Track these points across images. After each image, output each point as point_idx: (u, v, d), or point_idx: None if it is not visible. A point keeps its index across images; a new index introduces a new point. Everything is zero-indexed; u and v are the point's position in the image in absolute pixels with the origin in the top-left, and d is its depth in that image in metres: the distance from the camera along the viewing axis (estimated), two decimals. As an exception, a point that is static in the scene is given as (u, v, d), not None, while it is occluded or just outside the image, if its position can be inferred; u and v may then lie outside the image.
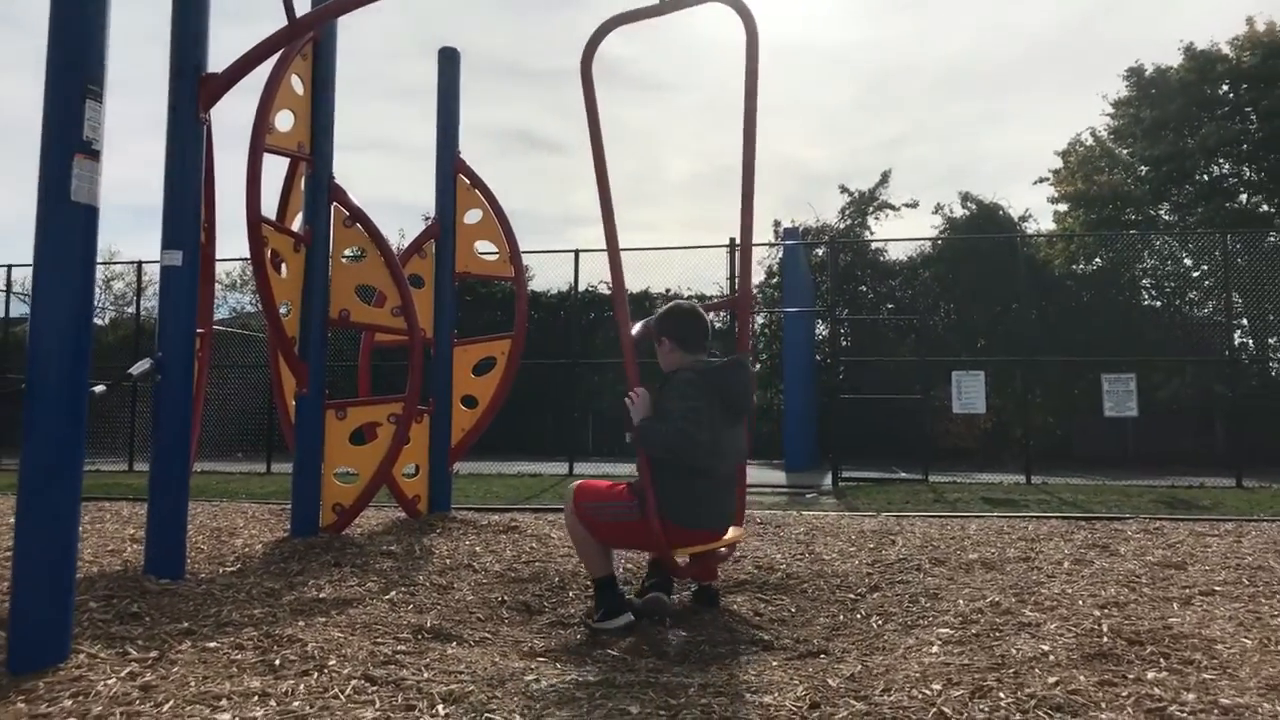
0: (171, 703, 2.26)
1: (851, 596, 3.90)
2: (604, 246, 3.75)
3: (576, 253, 14.62)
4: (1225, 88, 23.35)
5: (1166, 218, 23.81)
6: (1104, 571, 4.17)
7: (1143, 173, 23.95)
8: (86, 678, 2.45)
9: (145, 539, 4.02)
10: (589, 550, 3.52)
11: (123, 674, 2.49)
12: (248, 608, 3.40)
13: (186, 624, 3.10)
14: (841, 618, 3.55)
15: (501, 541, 5.16)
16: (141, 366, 4.01)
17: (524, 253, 6.83)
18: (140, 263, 16.58)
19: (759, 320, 20.88)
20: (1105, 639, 2.85)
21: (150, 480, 4.01)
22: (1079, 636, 2.91)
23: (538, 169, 57.06)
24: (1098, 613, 3.28)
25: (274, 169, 5.57)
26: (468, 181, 6.43)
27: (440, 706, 2.26)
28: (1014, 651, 2.76)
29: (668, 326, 3.65)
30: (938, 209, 23.34)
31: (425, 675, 2.57)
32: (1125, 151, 24.67)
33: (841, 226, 23.55)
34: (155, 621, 3.14)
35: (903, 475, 12.56)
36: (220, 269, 31.72)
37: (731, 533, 3.69)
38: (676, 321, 3.65)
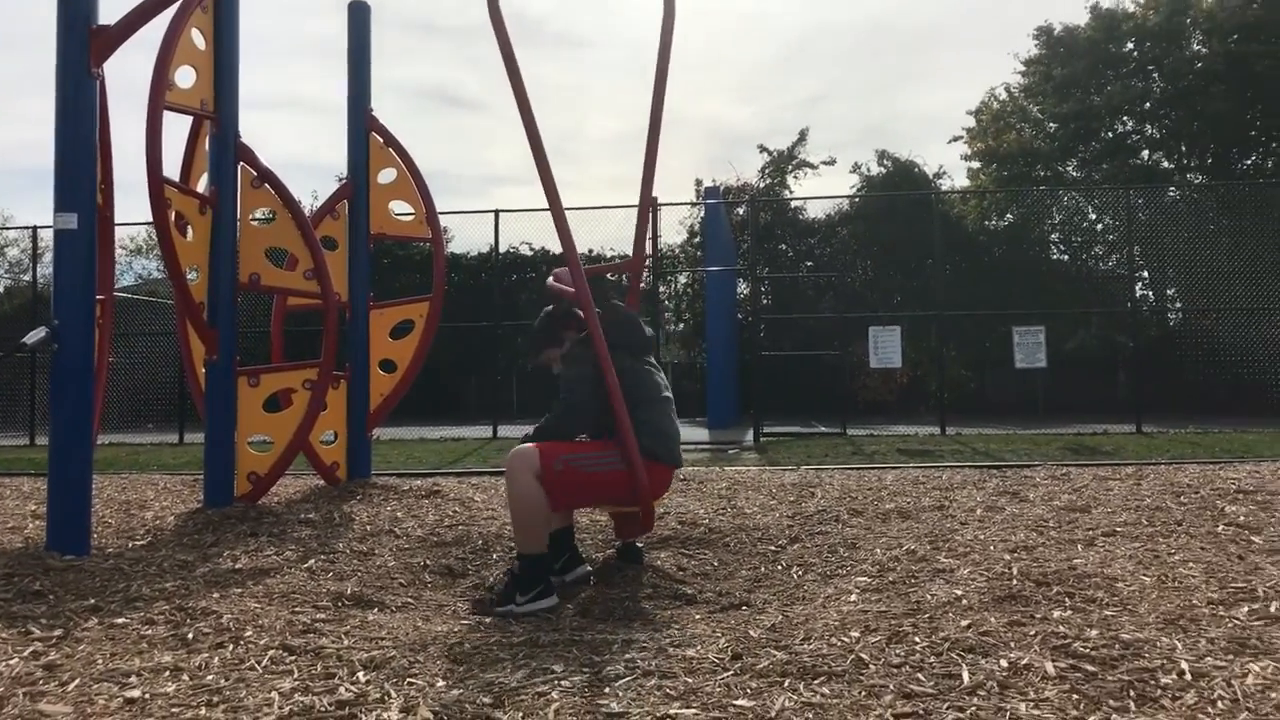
0: (78, 681, 2.19)
1: (772, 549, 3.96)
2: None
3: (496, 213, 14.39)
4: (1130, 45, 24.05)
5: (1074, 174, 24.53)
6: (1014, 517, 4.32)
7: (1052, 130, 24.58)
8: (-14, 659, 2.36)
9: (47, 514, 3.87)
10: (535, 520, 3.22)
11: (25, 653, 2.40)
12: (159, 581, 3.31)
13: (93, 600, 2.99)
14: (763, 570, 3.61)
15: (423, 506, 5.11)
16: (36, 335, 3.83)
17: (442, 213, 6.71)
18: (35, 228, 15.82)
19: (682, 279, 20.98)
20: (1015, 581, 2.95)
21: (50, 452, 3.85)
22: (990, 580, 3.01)
23: (455, 127, 56.08)
24: (1008, 556, 3.39)
25: (177, 130, 5.35)
26: (381, 140, 6.26)
27: (361, 674, 2.23)
28: (929, 597, 2.84)
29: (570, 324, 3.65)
30: (855, 168, 23.65)
31: (345, 643, 2.53)
32: (1035, 109, 25.28)
33: (761, 185, 23.69)
34: (59, 599, 3.03)
35: (822, 429, 12.79)
36: (124, 234, 30.57)
37: None
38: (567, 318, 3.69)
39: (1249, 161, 23.19)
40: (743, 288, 17.96)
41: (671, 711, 1.93)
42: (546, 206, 3.61)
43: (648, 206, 3.92)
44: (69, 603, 2.97)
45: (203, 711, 1.97)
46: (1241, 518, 4.04)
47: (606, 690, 2.09)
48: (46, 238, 15.58)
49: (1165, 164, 24.06)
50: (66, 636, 2.59)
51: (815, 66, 54.49)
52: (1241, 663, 2.09)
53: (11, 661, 2.33)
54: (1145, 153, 24.26)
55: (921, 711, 1.87)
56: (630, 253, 4.13)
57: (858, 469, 7.14)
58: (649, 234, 4.08)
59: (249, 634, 2.59)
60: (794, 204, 22.16)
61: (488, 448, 10.88)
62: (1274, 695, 1.90)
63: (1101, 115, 23.47)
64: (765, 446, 10.42)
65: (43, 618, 2.78)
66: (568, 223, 3.63)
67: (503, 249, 16.43)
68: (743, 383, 15.75)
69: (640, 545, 3.87)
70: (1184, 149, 23.92)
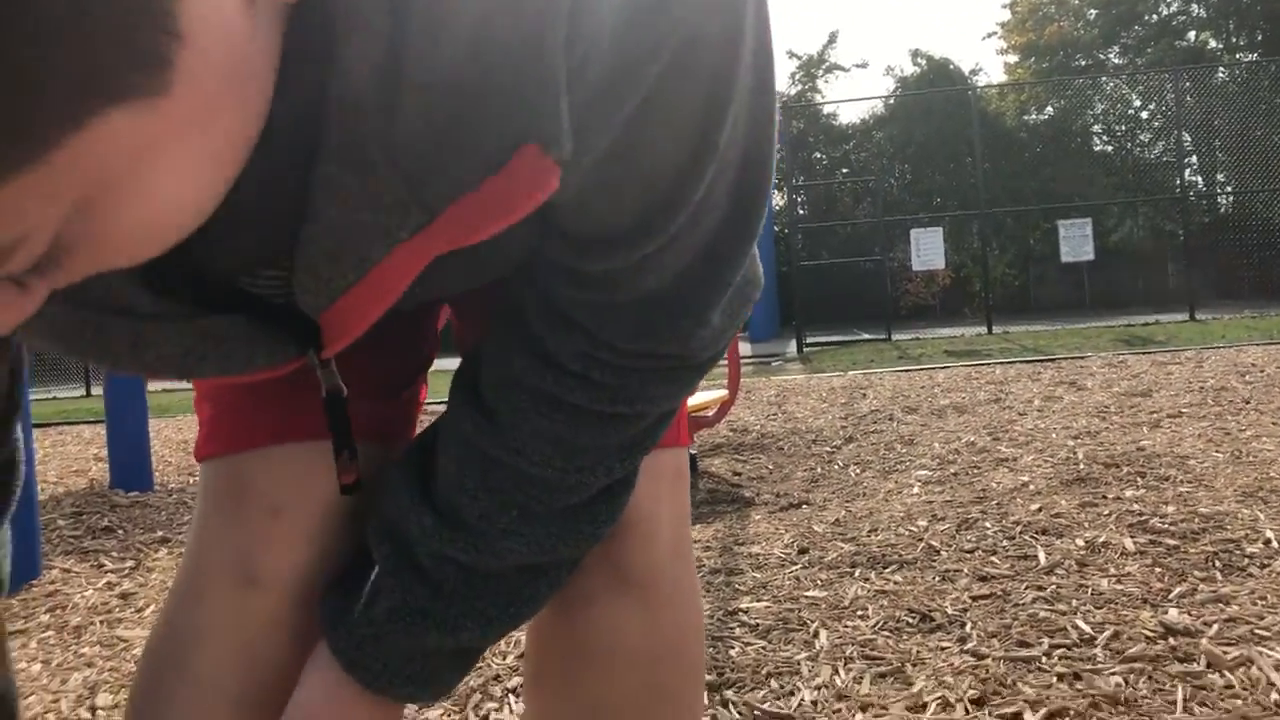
0: (153, 607, 2.22)
1: (827, 450, 3.92)
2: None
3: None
4: (1172, -81, 22.91)
5: (1116, 60, 23.65)
6: (1073, 405, 4.23)
7: (1091, 16, 23.64)
8: (62, 591, 2.40)
9: (109, 453, 3.93)
10: None
11: (99, 585, 2.44)
12: (223, 512, 3.35)
13: (161, 533, 3.04)
14: (819, 470, 3.57)
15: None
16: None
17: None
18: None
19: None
20: (1081, 465, 2.89)
21: (106, 391, 3.90)
22: (1056, 466, 2.94)
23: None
24: (1072, 442, 3.32)
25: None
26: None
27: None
28: (994, 485, 2.79)
29: None
30: (889, 70, 23.04)
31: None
32: (1073, -4, 24.29)
33: (792, 92, 23.12)
34: (129, 533, 3.08)
35: (865, 336, 12.67)
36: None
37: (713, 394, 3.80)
38: None
39: (1302, 34, 22.15)
40: (778, 199, 17.66)
41: (744, 605, 1.90)
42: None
43: None
44: (138, 536, 3.02)
45: (277, 627, 1.99)
46: (1312, 392, 3.92)
47: (675, 589, 2.07)
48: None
49: (1213, 44, 23.10)
50: (138, 567, 2.63)
51: (840, -34, 52.82)
52: (1330, 529, 2.02)
53: (88, 593, 2.37)
54: (1192, 34, 23.28)
55: (1000, 593, 1.83)
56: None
57: (906, 371, 7.05)
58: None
59: (315, 555, 2.61)
60: (827, 110, 21.64)
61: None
62: (1368, 558, 1.83)
63: (1144, -4, 22.51)
64: (809, 356, 10.33)
65: (114, 551, 2.83)
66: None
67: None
68: (782, 294, 15.60)
69: (694, 452, 3.85)
70: (1232, 27, 22.90)
